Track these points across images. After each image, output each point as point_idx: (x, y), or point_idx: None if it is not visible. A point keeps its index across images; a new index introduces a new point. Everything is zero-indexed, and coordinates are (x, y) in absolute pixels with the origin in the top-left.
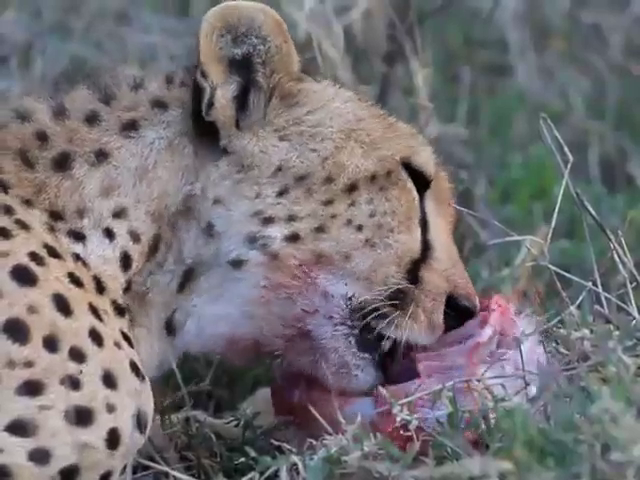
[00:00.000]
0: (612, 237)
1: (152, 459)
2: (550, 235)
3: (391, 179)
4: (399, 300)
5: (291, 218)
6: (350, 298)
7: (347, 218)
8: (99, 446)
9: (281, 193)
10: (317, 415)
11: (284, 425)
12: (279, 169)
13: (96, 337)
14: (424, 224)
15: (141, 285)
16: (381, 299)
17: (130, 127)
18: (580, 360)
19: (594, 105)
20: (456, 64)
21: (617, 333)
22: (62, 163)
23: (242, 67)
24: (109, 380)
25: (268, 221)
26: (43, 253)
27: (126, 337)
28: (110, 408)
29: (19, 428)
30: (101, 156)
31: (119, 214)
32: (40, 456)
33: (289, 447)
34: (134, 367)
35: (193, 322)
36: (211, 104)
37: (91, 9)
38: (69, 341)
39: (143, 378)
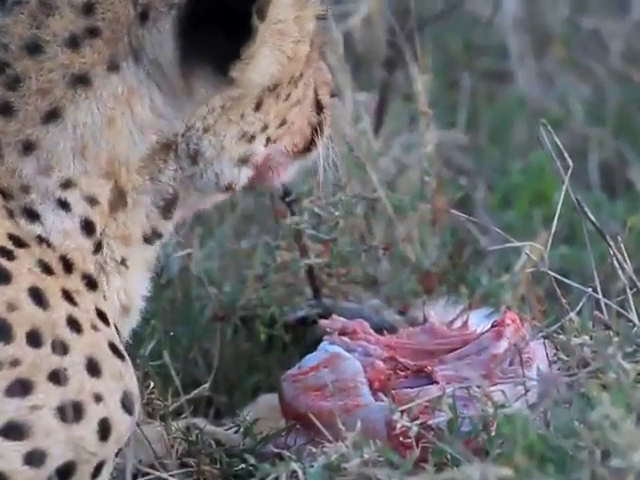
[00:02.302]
0: (612, 243)
1: (152, 466)
2: (550, 241)
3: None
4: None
5: (265, 127)
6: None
7: (295, 100)
8: (92, 439)
9: (258, 107)
10: (320, 426)
11: (289, 431)
12: (260, 85)
13: (74, 325)
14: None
15: (117, 229)
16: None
17: (51, 115)
18: (580, 366)
19: (594, 111)
20: (456, 70)
21: (617, 339)
22: None
23: None
24: (93, 368)
25: (252, 139)
26: (10, 246)
27: (101, 314)
28: (97, 398)
29: (13, 431)
30: (28, 148)
31: (66, 185)
32: (36, 458)
33: (289, 454)
34: (114, 348)
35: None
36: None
37: None
38: (50, 333)
39: (123, 358)
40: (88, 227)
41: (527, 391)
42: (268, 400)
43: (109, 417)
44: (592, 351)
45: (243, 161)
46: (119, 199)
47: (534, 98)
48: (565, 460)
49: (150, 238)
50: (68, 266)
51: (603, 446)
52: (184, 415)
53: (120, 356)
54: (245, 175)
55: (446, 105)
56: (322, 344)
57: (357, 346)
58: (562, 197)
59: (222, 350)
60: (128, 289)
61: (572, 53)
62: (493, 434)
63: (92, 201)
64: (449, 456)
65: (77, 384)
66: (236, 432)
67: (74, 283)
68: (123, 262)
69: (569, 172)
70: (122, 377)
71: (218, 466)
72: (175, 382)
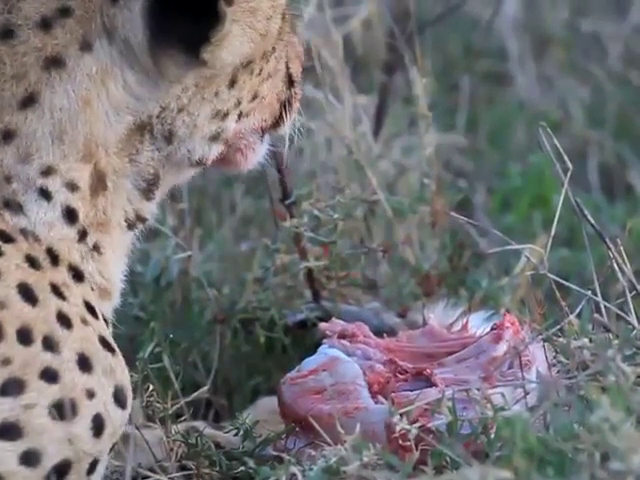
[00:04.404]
0: (612, 246)
1: (152, 469)
2: (549, 244)
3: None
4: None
5: (238, 102)
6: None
7: (267, 74)
8: (86, 436)
9: (232, 85)
10: (319, 429)
11: (288, 434)
12: (232, 63)
13: (64, 320)
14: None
15: (97, 214)
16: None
17: (28, 101)
18: (579, 369)
19: (594, 114)
20: (455, 73)
21: (617, 342)
22: None
23: None
24: (84, 364)
25: (225, 116)
26: None
27: (89, 307)
28: (90, 394)
29: (7, 431)
30: (7, 136)
31: (47, 172)
32: (31, 458)
33: (288, 457)
34: (104, 342)
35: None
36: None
37: None
38: (41, 331)
39: (114, 351)
40: (70, 215)
41: (526, 394)
42: (267, 403)
43: (102, 413)
44: (591, 354)
45: (215, 138)
46: (99, 183)
47: (534, 101)
48: (564, 463)
49: (133, 223)
50: (54, 258)
51: (602, 449)
52: (183, 418)
53: (110, 349)
54: (216, 151)
55: (446, 108)
56: (321, 347)
57: (356, 349)
58: (562, 200)
59: (221, 353)
60: (105, 274)
61: (572, 56)
62: (492, 437)
63: (73, 187)
64: (448, 459)
65: (69, 381)
66: (235, 435)
67: (62, 276)
68: (96, 248)
69: (568, 175)
70: (113, 371)
71: (217, 469)
72: (174, 385)
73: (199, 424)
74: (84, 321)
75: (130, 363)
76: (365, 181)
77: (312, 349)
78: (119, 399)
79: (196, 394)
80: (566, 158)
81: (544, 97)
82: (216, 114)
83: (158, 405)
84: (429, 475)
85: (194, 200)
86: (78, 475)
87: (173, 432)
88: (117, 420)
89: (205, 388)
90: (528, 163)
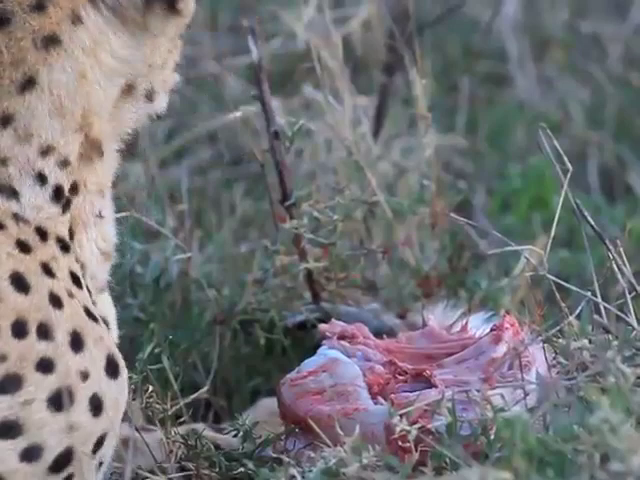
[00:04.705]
0: (611, 247)
1: (151, 471)
2: (549, 245)
3: None
4: None
5: (170, 50)
6: None
7: None
8: (85, 419)
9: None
10: (319, 430)
11: (288, 435)
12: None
13: (56, 300)
14: None
15: (96, 182)
16: None
17: (27, 84)
18: (579, 370)
19: (593, 115)
20: (455, 74)
21: (616, 343)
22: None
23: None
24: (76, 342)
25: (177, 66)
26: None
27: (74, 277)
28: (84, 375)
29: (7, 430)
30: (5, 122)
31: (46, 152)
32: (32, 453)
33: (288, 458)
34: (88, 313)
35: None
36: None
37: None
38: (35, 319)
39: (97, 320)
40: (57, 193)
41: (526, 395)
42: (267, 404)
43: (97, 391)
44: (591, 355)
45: (171, 89)
46: (93, 151)
47: (533, 102)
48: (564, 464)
49: (115, 184)
50: (43, 234)
51: (602, 450)
52: (183, 419)
53: (94, 319)
54: (165, 102)
55: (445, 109)
56: (321, 348)
57: (356, 350)
58: (561, 201)
59: (221, 354)
60: (106, 237)
61: (571, 57)
62: (492, 438)
63: (64, 163)
64: (448, 460)
65: (64, 367)
66: (235, 436)
67: (51, 250)
68: (100, 214)
69: (568, 176)
70: (103, 342)
71: (217, 470)
72: (174, 386)
73: (199, 426)
74: (70, 294)
75: (130, 364)
76: (365, 182)
77: (312, 350)
78: (111, 369)
79: (195, 395)
80: (566, 159)
81: (544, 98)
82: (175, 66)
83: (158, 406)
84: (429, 476)
85: (194, 201)
86: (83, 458)
87: (173, 433)
88: (113, 393)
89: (205, 389)
90: (528, 164)
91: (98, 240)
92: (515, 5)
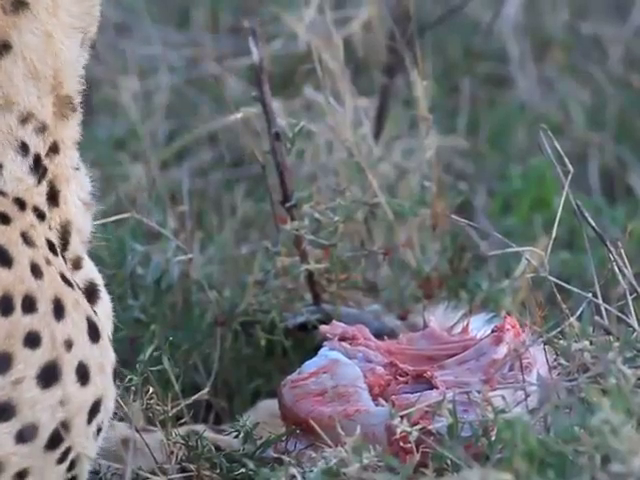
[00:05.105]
0: (612, 248)
1: (152, 472)
2: (550, 246)
3: None
4: None
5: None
6: None
7: None
8: (75, 390)
9: None
10: (320, 431)
11: (289, 436)
12: None
13: (36, 270)
14: None
15: (73, 137)
16: None
17: (3, 49)
18: (580, 371)
19: (594, 116)
20: (456, 75)
21: (617, 344)
22: None
23: None
24: (58, 309)
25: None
26: None
27: (50, 245)
28: (68, 344)
29: (1, 412)
30: None
31: (26, 119)
32: (26, 434)
33: (289, 459)
34: (64, 279)
35: None
36: None
37: None
38: (19, 292)
39: (72, 285)
40: (36, 163)
41: (527, 396)
42: (268, 405)
43: (82, 358)
44: (592, 356)
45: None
46: (66, 107)
47: (534, 103)
48: (565, 465)
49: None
50: (21, 204)
51: (603, 451)
52: (184, 420)
53: (71, 285)
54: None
55: (446, 110)
56: (322, 350)
57: (357, 351)
58: (562, 202)
59: (222, 355)
60: (84, 186)
61: (572, 58)
62: (493, 439)
63: (42, 129)
64: (449, 461)
65: (49, 339)
66: (236, 437)
67: (29, 219)
68: (78, 167)
69: (569, 177)
70: (80, 305)
71: (218, 471)
72: (175, 387)
73: (199, 427)
74: (48, 262)
75: (130, 366)
76: (366, 184)
77: (313, 352)
78: (93, 332)
79: (196, 396)
80: (567, 160)
81: (545, 100)
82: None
83: (158, 407)
84: (430, 477)
85: (195, 203)
86: (79, 427)
87: (173, 434)
88: (97, 357)
89: (205, 390)
90: (529, 166)
91: (79, 191)
92: (516, 6)
